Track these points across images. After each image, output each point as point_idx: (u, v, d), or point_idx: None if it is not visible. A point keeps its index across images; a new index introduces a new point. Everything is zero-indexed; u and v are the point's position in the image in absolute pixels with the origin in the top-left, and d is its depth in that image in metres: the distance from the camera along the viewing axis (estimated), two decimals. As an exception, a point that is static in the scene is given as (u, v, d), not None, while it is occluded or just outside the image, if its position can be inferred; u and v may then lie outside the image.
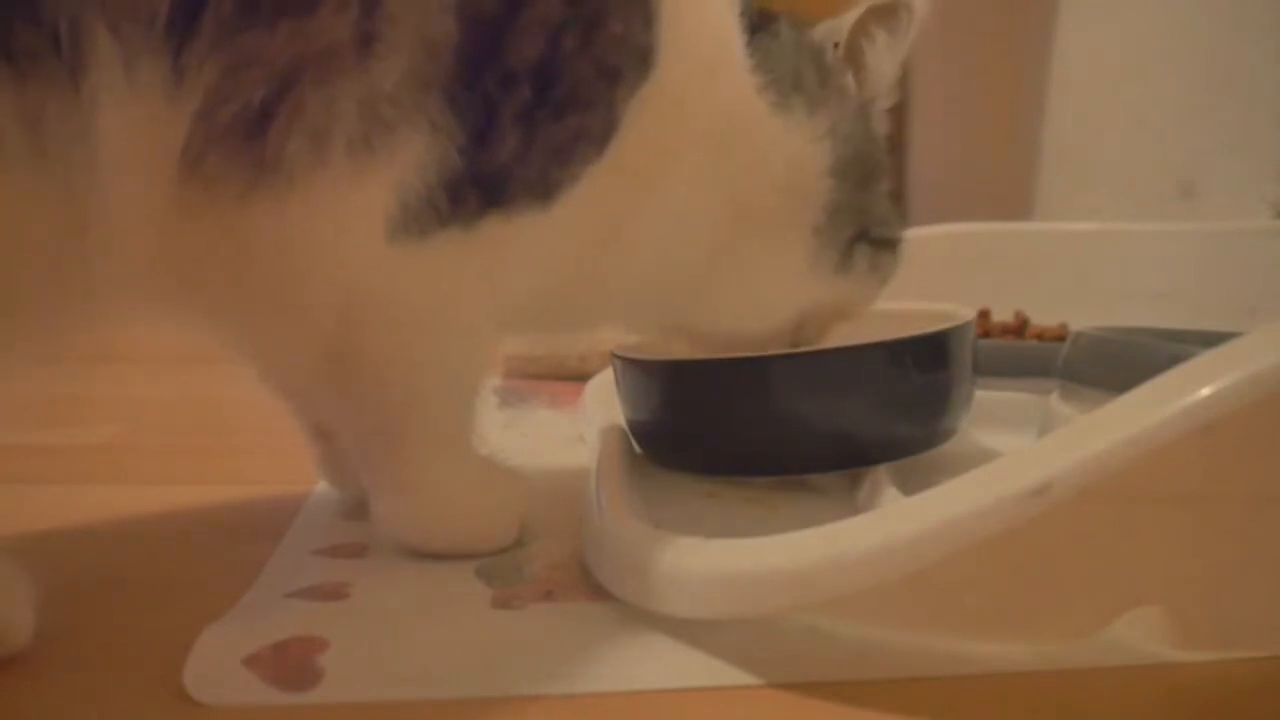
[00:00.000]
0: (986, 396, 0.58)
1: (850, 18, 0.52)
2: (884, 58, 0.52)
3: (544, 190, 0.42)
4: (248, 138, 0.35)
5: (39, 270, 0.33)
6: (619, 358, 0.56)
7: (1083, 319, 0.67)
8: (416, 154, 0.38)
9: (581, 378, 0.78)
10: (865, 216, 0.51)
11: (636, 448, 0.56)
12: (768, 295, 0.52)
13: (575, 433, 0.69)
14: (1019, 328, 0.90)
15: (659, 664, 0.35)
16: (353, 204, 0.38)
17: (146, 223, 0.35)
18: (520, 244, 0.42)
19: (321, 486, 0.54)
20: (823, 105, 0.49)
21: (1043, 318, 0.90)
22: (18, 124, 0.31)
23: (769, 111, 0.48)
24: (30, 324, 0.35)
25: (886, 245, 0.53)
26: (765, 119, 0.48)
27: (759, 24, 0.48)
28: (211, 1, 0.34)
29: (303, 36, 0.35)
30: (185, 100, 0.34)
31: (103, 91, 0.32)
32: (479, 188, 0.40)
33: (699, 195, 0.47)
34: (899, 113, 0.54)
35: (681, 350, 0.56)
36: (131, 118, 0.33)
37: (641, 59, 0.43)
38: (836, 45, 0.52)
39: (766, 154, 0.48)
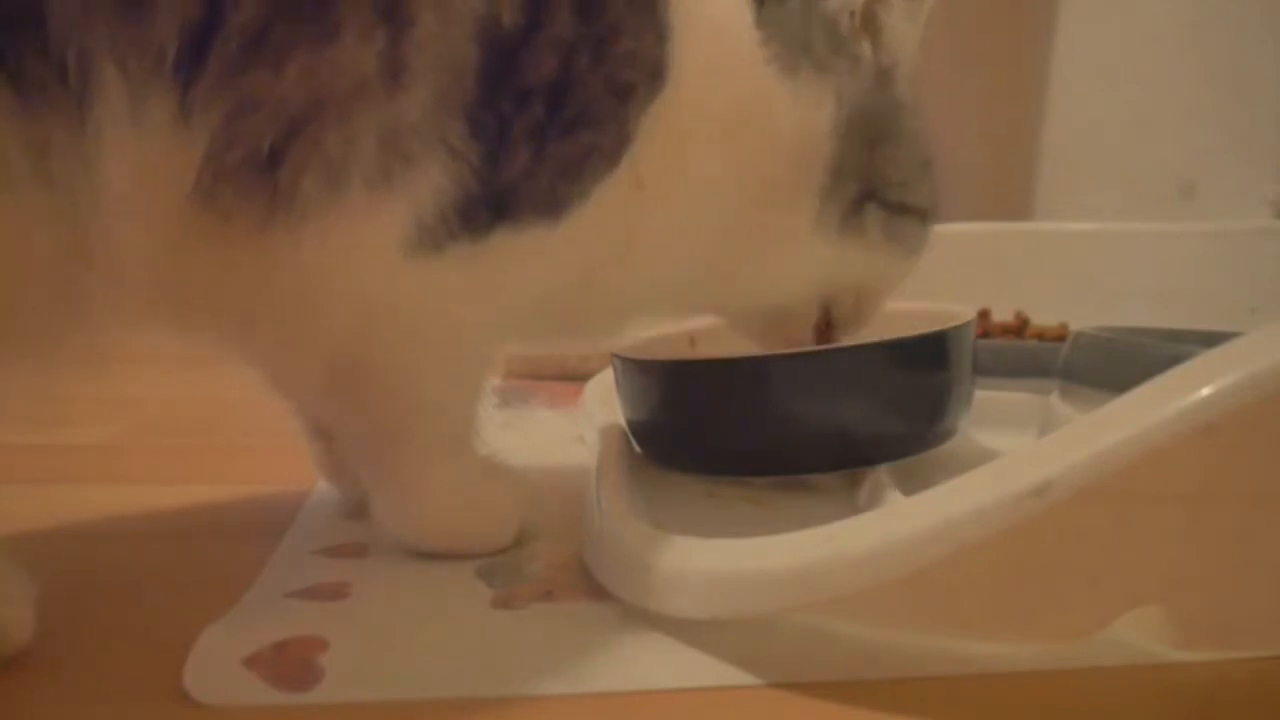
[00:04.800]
0: (986, 396, 0.58)
1: None
2: (901, 23, 0.51)
3: (553, 206, 0.42)
4: (259, 175, 0.35)
5: (40, 292, 0.33)
6: (619, 358, 0.56)
7: (1083, 319, 0.67)
8: (434, 180, 0.38)
9: (581, 378, 0.78)
10: (872, 176, 0.49)
11: (636, 448, 0.56)
12: (781, 266, 0.51)
13: (575, 433, 0.69)
14: (1019, 328, 0.90)
15: (659, 664, 0.35)
16: (368, 231, 0.38)
17: (154, 250, 0.35)
18: (529, 256, 0.42)
19: (321, 486, 0.54)
20: (830, 71, 0.48)
21: (1043, 318, 0.90)
22: (23, 151, 0.31)
23: (777, 86, 0.46)
24: (30, 344, 0.34)
25: (905, 211, 0.51)
26: (774, 97, 0.46)
27: None
28: (217, 40, 0.33)
29: (322, 73, 0.35)
30: (193, 138, 0.34)
31: (108, 124, 0.32)
32: (489, 203, 0.40)
33: (711, 193, 0.47)
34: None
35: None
36: (137, 150, 0.33)
37: (654, 73, 0.43)
38: (852, 14, 0.50)
39: (776, 132, 0.47)
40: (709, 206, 0.47)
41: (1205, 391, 0.29)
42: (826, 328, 0.54)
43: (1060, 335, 0.83)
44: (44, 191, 0.31)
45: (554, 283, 0.45)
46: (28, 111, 0.31)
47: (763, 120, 0.47)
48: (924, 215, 0.52)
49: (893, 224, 0.50)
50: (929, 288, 0.57)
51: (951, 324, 0.52)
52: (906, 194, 0.51)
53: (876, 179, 0.50)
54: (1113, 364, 0.54)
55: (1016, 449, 0.34)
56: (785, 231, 0.49)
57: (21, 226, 0.32)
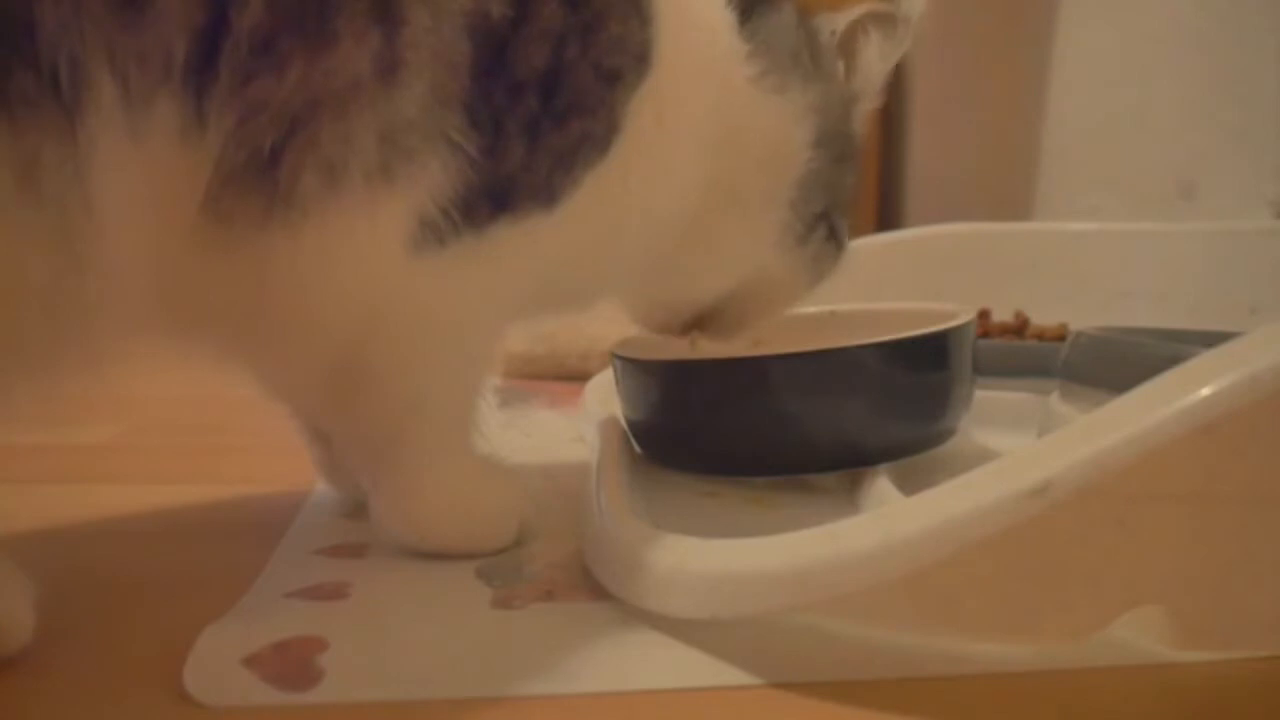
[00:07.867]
0: (986, 396, 0.58)
1: (850, 14, 0.52)
2: (874, 59, 0.53)
3: (548, 195, 0.42)
4: (260, 174, 0.35)
5: (34, 311, 0.33)
6: (619, 358, 0.56)
7: (1083, 319, 0.67)
8: (435, 175, 0.38)
9: (581, 378, 0.78)
10: (834, 194, 0.52)
11: (636, 447, 0.56)
12: (727, 267, 0.52)
13: (575, 433, 0.69)
14: (1019, 328, 0.90)
15: (659, 664, 0.35)
16: (371, 228, 0.38)
17: (154, 260, 0.35)
18: (526, 244, 0.42)
19: (321, 487, 0.54)
20: (815, 81, 0.50)
21: (1043, 318, 0.90)
22: (9, 170, 0.30)
23: (765, 101, 0.48)
24: (29, 367, 0.34)
25: (834, 237, 0.53)
26: (761, 111, 0.48)
27: (759, 2, 0.49)
28: (227, 46, 0.33)
29: (320, 75, 0.35)
30: (207, 144, 0.34)
31: (101, 136, 0.31)
32: (488, 196, 0.40)
33: (690, 182, 0.47)
34: (899, 113, 0.55)
35: (677, 346, 0.56)
36: (139, 162, 0.33)
37: (639, 58, 0.43)
38: (834, 33, 0.52)
39: (759, 144, 0.49)
40: (687, 196, 0.48)
41: (1205, 391, 0.29)
42: (693, 327, 0.55)
43: (1060, 335, 0.83)
44: (32, 210, 0.31)
45: (544, 272, 0.45)
46: (13, 127, 0.30)
47: (746, 131, 0.48)
48: (842, 247, 0.54)
49: (824, 247, 0.53)
50: (930, 288, 0.57)
51: (951, 324, 0.52)
52: (842, 221, 0.54)
53: (837, 198, 0.52)
54: (1113, 364, 0.54)
55: (1016, 449, 0.34)
56: (746, 236, 0.51)
57: (9, 247, 0.31)
